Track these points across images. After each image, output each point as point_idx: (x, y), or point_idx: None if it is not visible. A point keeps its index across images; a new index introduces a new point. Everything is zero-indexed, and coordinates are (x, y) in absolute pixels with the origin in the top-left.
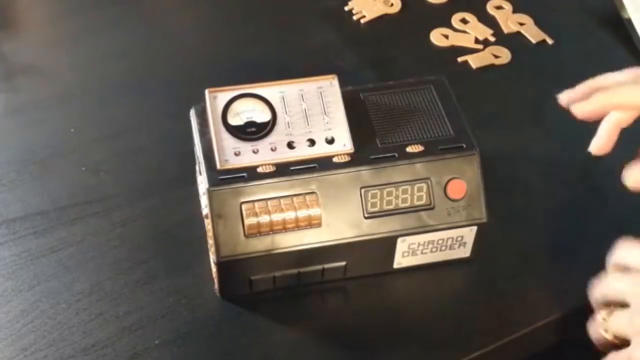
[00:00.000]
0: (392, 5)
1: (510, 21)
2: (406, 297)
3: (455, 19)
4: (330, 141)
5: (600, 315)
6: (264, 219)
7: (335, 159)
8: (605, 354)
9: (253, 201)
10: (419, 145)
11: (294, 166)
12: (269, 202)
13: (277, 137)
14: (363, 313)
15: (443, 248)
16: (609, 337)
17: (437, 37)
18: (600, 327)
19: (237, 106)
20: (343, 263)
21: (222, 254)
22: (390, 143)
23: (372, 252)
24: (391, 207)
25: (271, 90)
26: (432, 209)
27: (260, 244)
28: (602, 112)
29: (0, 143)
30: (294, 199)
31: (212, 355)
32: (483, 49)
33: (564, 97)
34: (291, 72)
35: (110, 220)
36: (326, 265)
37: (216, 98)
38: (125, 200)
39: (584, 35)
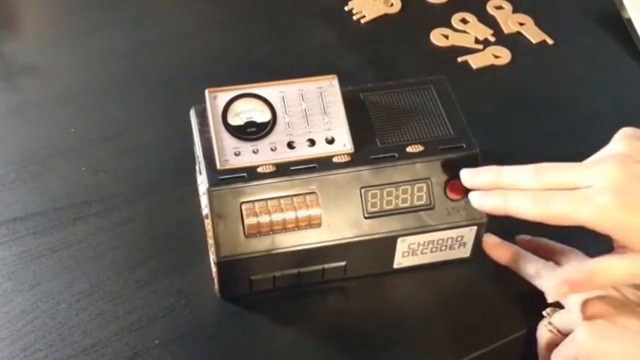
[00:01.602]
0: (392, 5)
1: (510, 21)
2: (406, 297)
3: (455, 19)
4: (330, 141)
5: (544, 312)
6: (264, 219)
7: (335, 159)
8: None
9: (253, 201)
10: (419, 145)
11: (294, 166)
12: (269, 202)
13: (277, 137)
14: (363, 313)
15: (443, 248)
16: (554, 331)
17: (437, 37)
18: (544, 322)
19: (237, 106)
20: (343, 263)
21: (222, 254)
22: (390, 143)
23: (372, 252)
24: (391, 207)
25: (271, 90)
26: (432, 209)
27: (260, 244)
28: (494, 212)
29: (0, 143)
30: (294, 199)
31: (212, 355)
32: (483, 49)
33: (467, 177)
34: (291, 72)
35: (110, 220)
36: (326, 265)
37: (216, 98)
38: (125, 200)
39: (584, 35)
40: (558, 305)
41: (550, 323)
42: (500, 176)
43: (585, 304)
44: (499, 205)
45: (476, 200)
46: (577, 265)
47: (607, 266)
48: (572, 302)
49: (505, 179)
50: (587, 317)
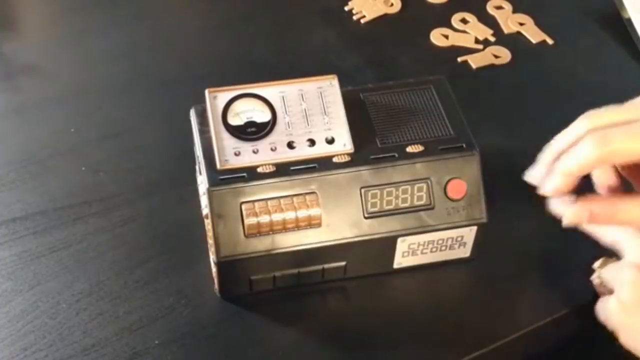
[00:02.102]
0: (392, 5)
1: (510, 21)
2: (406, 297)
3: (455, 19)
4: (330, 141)
5: (595, 264)
6: (264, 219)
7: (335, 159)
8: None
9: (253, 201)
10: (419, 145)
11: (294, 166)
12: (269, 202)
13: (277, 137)
14: (363, 313)
15: (443, 248)
16: (600, 284)
17: (437, 37)
18: (595, 275)
19: (237, 106)
20: (343, 263)
21: (222, 254)
22: (390, 143)
23: (372, 252)
24: (391, 207)
25: (271, 90)
26: (432, 209)
27: (260, 244)
28: (568, 184)
29: (0, 143)
30: (294, 199)
31: (212, 355)
32: (483, 49)
33: (532, 177)
34: (291, 72)
35: (110, 220)
36: (326, 265)
37: (216, 98)
38: (125, 200)
39: (584, 35)
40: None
41: (599, 276)
42: (554, 147)
43: (626, 276)
44: (569, 166)
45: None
46: (603, 198)
47: (633, 205)
48: (623, 263)
49: (559, 145)
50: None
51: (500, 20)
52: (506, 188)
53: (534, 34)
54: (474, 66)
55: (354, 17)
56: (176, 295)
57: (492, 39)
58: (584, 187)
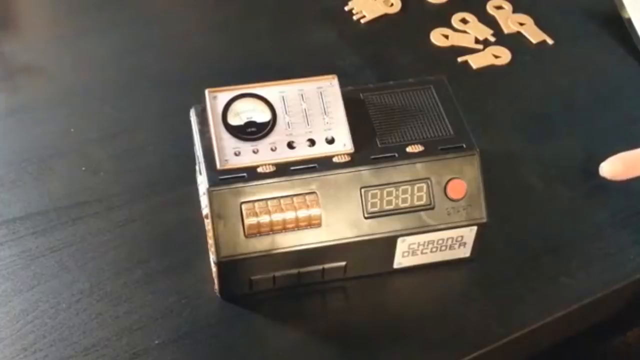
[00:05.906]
0: (392, 5)
1: (510, 21)
2: (406, 297)
3: (455, 19)
4: (330, 141)
5: None
6: (264, 219)
7: (335, 159)
8: None
9: (253, 201)
10: (419, 145)
11: (294, 166)
12: (269, 202)
13: (277, 137)
14: (363, 313)
15: (443, 248)
16: None
17: (437, 37)
18: None
19: (237, 106)
20: (343, 263)
21: (222, 254)
22: (390, 143)
23: (372, 252)
24: (391, 207)
25: (271, 90)
26: (432, 209)
27: (260, 244)
28: None
29: (0, 143)
30: (294, 199)
31: (212, 355)
32: (483, 49)
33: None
34: (291, 72)
35: (110, 220)
36: (326, 265)
37: (216, 98)
38: (125, 200)
39: (584, 35)
40: None
41: None
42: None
43: None
44: None
45: None
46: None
47: None
48: None
49: None
50: None
51: (500, 20)
52: (506, 188)
53: (534, 34)
54: (474, 66)
55: (354, 17)
56: (176, 295)
57: (492, 39)
58: None
